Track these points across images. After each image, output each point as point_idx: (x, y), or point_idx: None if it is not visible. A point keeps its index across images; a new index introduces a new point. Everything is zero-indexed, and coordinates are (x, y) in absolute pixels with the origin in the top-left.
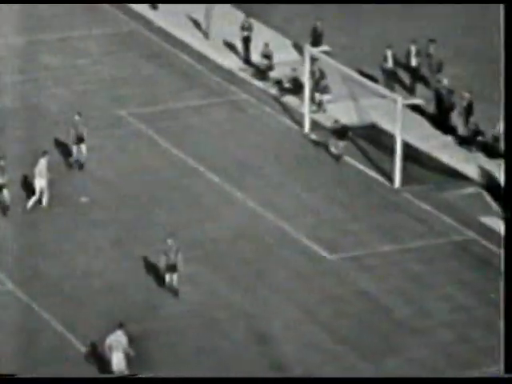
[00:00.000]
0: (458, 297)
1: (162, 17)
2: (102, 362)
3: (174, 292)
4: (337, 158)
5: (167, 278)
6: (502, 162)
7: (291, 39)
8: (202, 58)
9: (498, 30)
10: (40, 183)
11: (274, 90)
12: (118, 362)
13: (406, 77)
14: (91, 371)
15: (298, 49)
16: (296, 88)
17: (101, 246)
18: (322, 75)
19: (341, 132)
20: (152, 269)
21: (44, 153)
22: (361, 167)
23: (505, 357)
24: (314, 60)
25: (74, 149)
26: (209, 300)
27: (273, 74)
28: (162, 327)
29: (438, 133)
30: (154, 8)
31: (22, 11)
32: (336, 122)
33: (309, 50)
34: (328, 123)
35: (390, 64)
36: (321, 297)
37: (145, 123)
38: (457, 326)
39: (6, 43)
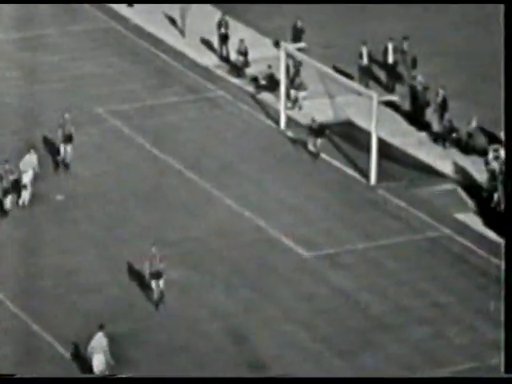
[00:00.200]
0: (433, 293)
1: (138, 14)
2: (85, 364)
3: (160, 298)
4: (315, 155)
5: (153, 284)
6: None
7: (267, 36)
8: (178, 55)
9: (475, 27)
10: (24, 179)
11: (250, 87)
12: (98, 364)
13: (381, 73)
14: (69, 372)
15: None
16: (272, 85)
17: (78, 245)
18: (297, 72)
19: (318, 130)
20: (131, 268)
21: (30, 149)
22: (337, 164)
23: (505, 357)
24: (291, 57)
25: (62, 148)
26: (187, 299)
27: (249, 71)
28: (140, 326)
29: (412, 129)
30: (130, 6)
31: None
32: (313, 120)
33: (285, 46)
34: (304, 120)
35: (365, 61)
36: (298, 295)
37: (122, 120)
38: (432, 323)
39: None
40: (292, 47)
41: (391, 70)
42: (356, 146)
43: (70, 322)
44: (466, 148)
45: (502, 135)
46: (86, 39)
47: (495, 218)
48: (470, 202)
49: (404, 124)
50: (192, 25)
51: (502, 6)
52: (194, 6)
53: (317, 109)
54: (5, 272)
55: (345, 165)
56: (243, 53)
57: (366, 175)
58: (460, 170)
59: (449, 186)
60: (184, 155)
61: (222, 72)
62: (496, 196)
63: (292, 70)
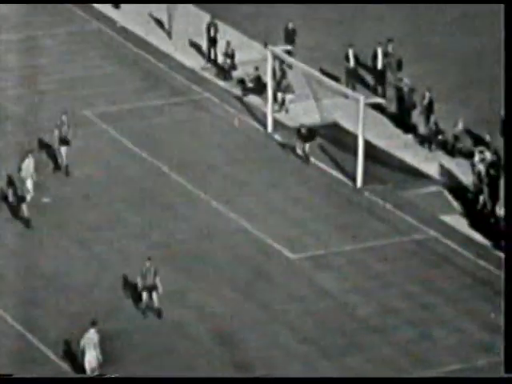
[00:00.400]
0: (420, 295)
1: (124, 16)
2: (75, 361)
3: (157, 313)
4: (305, 160)
5: (144, 296)
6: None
7: (253, 39)
8: (164, 57)
9: (461, 29)
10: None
11: (236, 90)
12: (91, 360)
13: (368, 76)
14: (55, 373)
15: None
16: (259, 87)
17: (65, 246)
18: (284, 74)
19: (307, 135)
20: (117, 270)
21: (28, 152)
22: (323, 167)
23: (505, 357)
24: (279, 59)
25: (60, 150)
26: (173, 300)
27: (236, 74)
28: (126, 328)
29: (399, 132)
30: (117, 7)
31: None
32: (302, 125)
33: (271, 49)
34: (291, 123)
35: (351, 63)
36: (284, 296)
37: (108, 123)
38: (419, 324)
39: None
40: (279, 49)
41: (381, 75)
42: (342, 148)
43: (56, 324)
44: (452, 150)
45: (488, 137)
46: (72, 41)
47: (481, 219)
48: (456, 204)
49: (390, 126)
50: (179, 27)
51: (501, 6)
52: (180, 7)
53: (303, 111)
54: None
55: (331, 167)
56: (230, 55)
57: (353, 178)
58: (446, 172)
59: (435, 188)
60: (170, 157)
61: (208, 74)
62: (482, 198)
63: (278, 73)
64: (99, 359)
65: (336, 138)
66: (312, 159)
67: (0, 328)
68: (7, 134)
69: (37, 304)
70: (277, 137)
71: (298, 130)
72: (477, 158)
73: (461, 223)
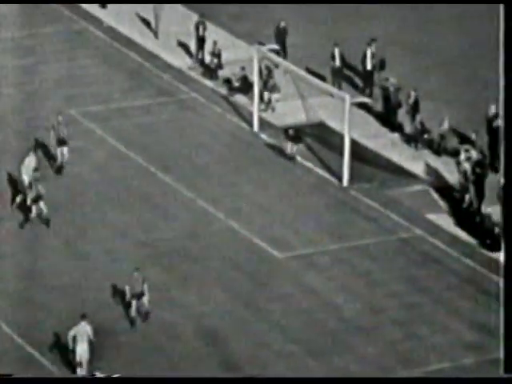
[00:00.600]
0: (405, 294)
1: (111, 16)
2: (66, 354)
3: (144, 316)
4: (290, 159)
5: (133, 304)
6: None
7: (240, 38)
8: (151, 56)
9: (445, 29)
10: (25, 182)
11: (223, 89)
12: (81, 353)
13: (353, 75)
14: (38, 373)
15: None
16: (245, 87)
17: (50, 245)
18: (270, 74)
19: (295, 136)
20: (103, 269)
21: (29, 151)
22: (309, 166)
23: (505, 357)
24: (267, 59)
25: (58, 151)
26: (160, 300)
27: (222, 73)
28: (113, 328)
29: (385, 131)
30: (104, 7)
31: None
32: (289, 127)
33: (258, 48)
34: (277, 122)
35: (337, 62)
36: (271, 295)
37: (95, 122)
38: (405, 324)
39: None
40: (265, 49)
41: (370, 76)
42: (329, 147)
43: (41, 323)
44: (438, 149)
45: (474, 136)
46: (58, 41)
47: (467, 218)
48: (442, 203)
49: (376, 125)
50: (165, 26)
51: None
52: (167, 7)
53: (290, 111)
54: None
55: (318, 166)
56: (216, 55)
57: (339, 177)
58: (432, 170)
59: (421, 187)
60: (157, 157)
61: (195, 74)
62: (468, 197)
63: (265, 72)
64: (91, 351)
65: (322, 137)
66: (298, 158)
67: None
68: None
69: (24, 303)
70: (263, 136)
71: (286, 131)
72: (462, 156)
73: (447, 222)
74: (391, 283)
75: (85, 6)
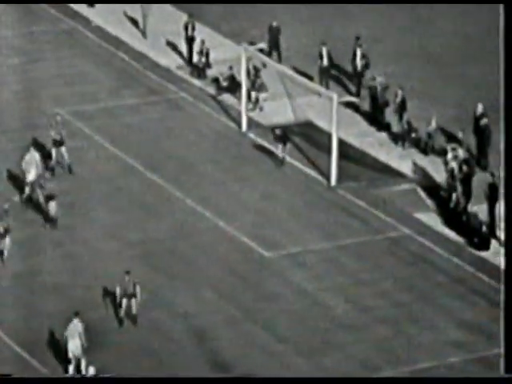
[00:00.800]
0: (393, 293)
1: (99, 15)
2: (58, 352)
3: (132, 319)
4: (280, 161)
5: (123, 303)
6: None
7: (228, 37)
8: (139, 56)
9: (434, 29)
10: (28, 178)
11: (211, 89)
12: (74, 349)
13: (341, 74)
14: (26, 372)
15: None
16: (233, 86)
17: (39, 245)
18: (257, 73)
19: (282, 135)
20: (92, 269)
21: (29, 147)
22: (297, 165)
23: (505, 357)
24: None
25: (54, 152)
26: (148, 299)
27: (210, 73)
28: (101, 327)
29: (372, 130)
30: (92, 6)
31: None
32: (276, 127)
33: (245, 48)
34: (265, 121)
35: (325, 62)
36: (259, 295)
37: (83, 122)
38: (393, 322)
39: None
40: (253, 48)
41: (360, 76)
42: (316, 146)
43: (30, 324)
44: (425, 148)
45: (461, 135)
46: (46, 41)
47: (454, 217)
48: (430, 202)
49: (364, 124)
50: (153, 26)
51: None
52: (155, 6)
53: (277, 110)
54: None
55: (305, 165)
56: (204, 54)
57: (327, 176)
58: (419, 169)
59: (408, 186)
60: (145, 156)
61: (183, 73)
62: (455, 195)
63: (252, 72)
64: (84, 346)
65: (310, 136)
66: (287, 158)
67: None
68: None
69: (10, 304)
70: (251, 135)
71: (273, 130)
72: (449, 155)
73: (434, 221)
74: (379, 282)
75: (73, 5)
